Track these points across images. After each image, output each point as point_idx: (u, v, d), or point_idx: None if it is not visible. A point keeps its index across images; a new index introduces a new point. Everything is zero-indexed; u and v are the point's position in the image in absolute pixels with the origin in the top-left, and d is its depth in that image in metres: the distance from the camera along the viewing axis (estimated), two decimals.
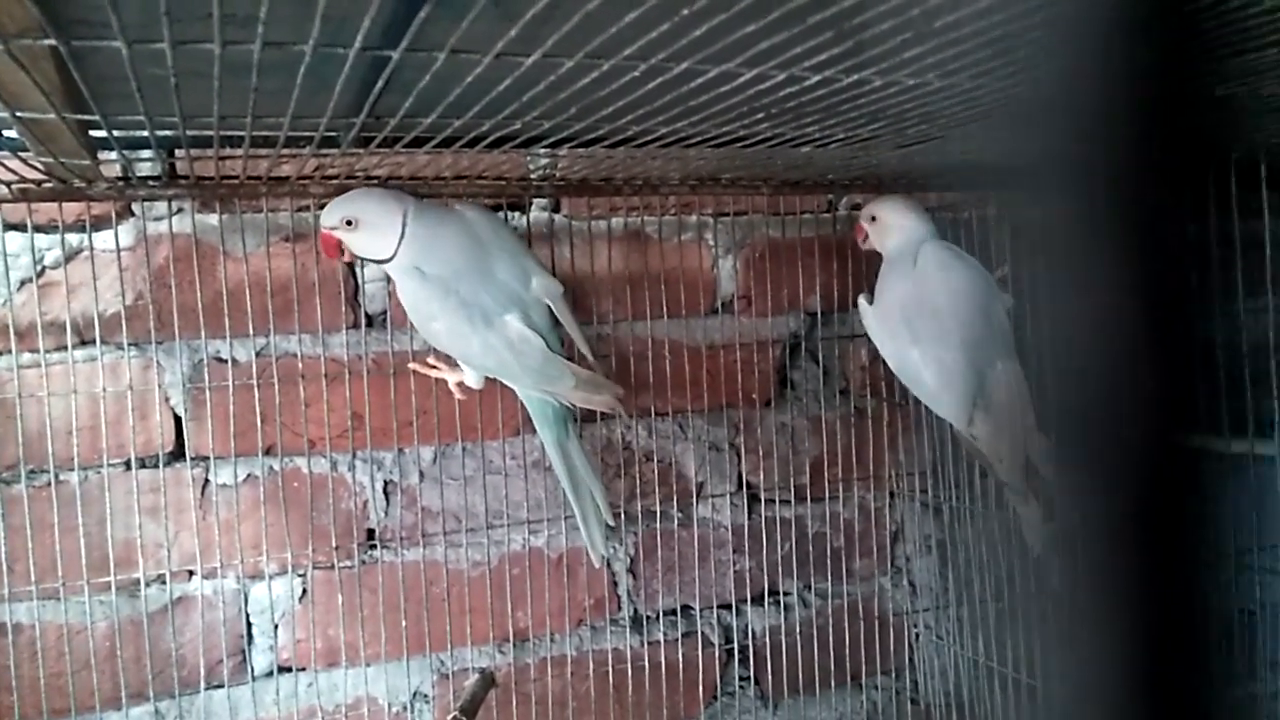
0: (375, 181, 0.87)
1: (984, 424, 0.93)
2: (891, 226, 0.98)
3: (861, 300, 1.00)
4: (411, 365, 0.93)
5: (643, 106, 0.59)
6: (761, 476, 1.12)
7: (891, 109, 0.64)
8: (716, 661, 1.10)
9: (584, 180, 0.95)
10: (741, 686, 1.12)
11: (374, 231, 0.81)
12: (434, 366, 0.92)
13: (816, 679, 1.13)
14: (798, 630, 1.13)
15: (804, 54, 0.49)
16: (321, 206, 0.85)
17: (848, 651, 1.15)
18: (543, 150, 0.77)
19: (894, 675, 1.19)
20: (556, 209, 1.03)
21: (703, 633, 1.10)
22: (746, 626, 1.12)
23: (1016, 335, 0.95)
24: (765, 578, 1.12)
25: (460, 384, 0.91)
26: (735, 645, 1.11)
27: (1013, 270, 0.98)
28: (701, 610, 1.10)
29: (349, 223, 0.81)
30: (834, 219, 1.14)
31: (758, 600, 1.12)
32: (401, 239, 0.81)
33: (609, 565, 1.06)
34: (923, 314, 0.93)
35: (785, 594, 1.13)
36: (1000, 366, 0.93)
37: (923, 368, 0.94)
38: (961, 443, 1.04)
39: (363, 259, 0.86)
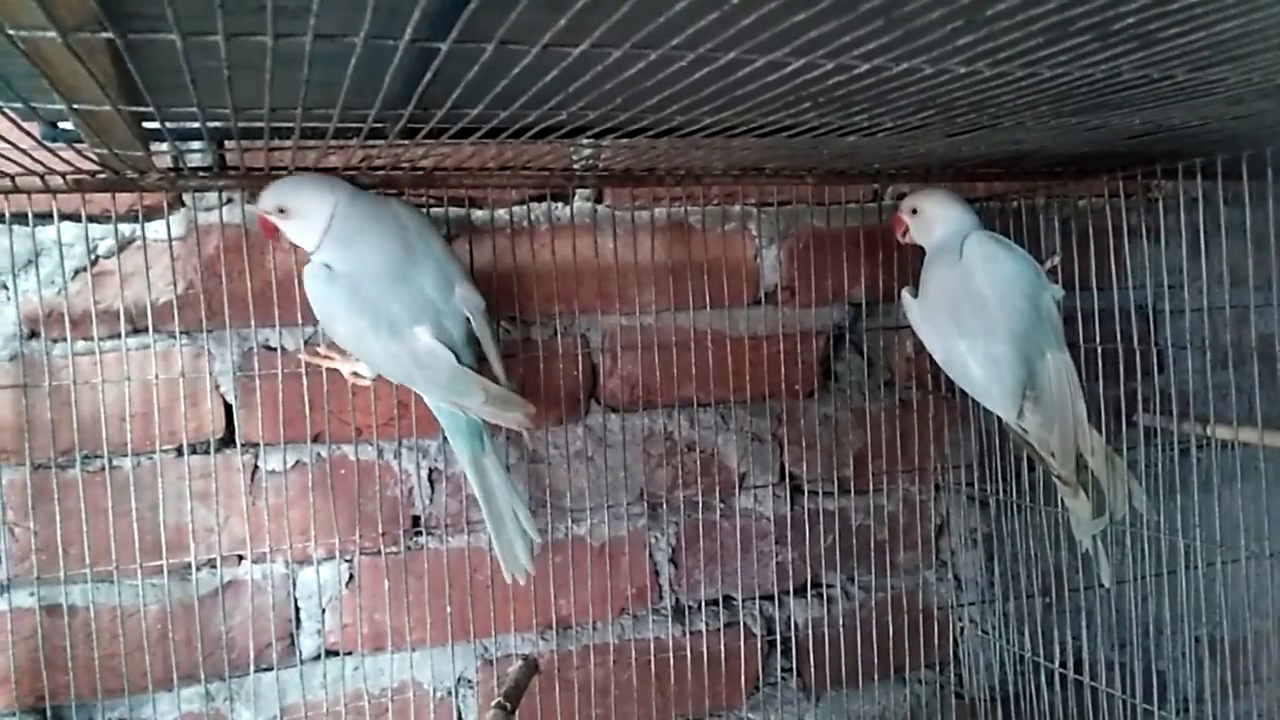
0: (420, 173, 0.88)
1: (1034, 416, 0.92)
2: (935, 219, 0.97)
3: (905, 294, 0.99)
4: (302, 355, 0.92)
5: (689, 96, 0.59)
6: (804, 468, 1.12)
7: (941, 97, 0.63)
8: (758, 652, 1.10)
9: (627, 170, 0.94)
10: (783, 678, 1.12)
11: (302, 221, 0.79)
12: (326, 356, 0.90)
13: (860, 671, 1.13)
14: (841, 622, 1.13)
15: (853, 43, 0.48)
16: None
17: (891, 645, 1.14)
18: (586, 141, 0.77)
19: (938, 669, 1.18)
20: (599, 199, 1.03)
21: (744, 623, 1.10)
22: (789, 618, 1.11)
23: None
24: (808, 569, 1.12)
25: (355, 374, 0.88)
26: (777, 636, 1.11)
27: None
28: (743, 601, 1.10)
29: (281, 210, 0.79)
30: (879, 209, 1.13)
31: (800, 592, 1.12)
32: (326, 232, 0.79)
33: (650, 555, 1.06)
34: (969, 306, 0.92)
35: (828, 586, 1.13)
36: (1050, 357, 0.92)
37: (970, 361, 0.93)
38: (1010, 435, 1.03)
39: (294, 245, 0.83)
